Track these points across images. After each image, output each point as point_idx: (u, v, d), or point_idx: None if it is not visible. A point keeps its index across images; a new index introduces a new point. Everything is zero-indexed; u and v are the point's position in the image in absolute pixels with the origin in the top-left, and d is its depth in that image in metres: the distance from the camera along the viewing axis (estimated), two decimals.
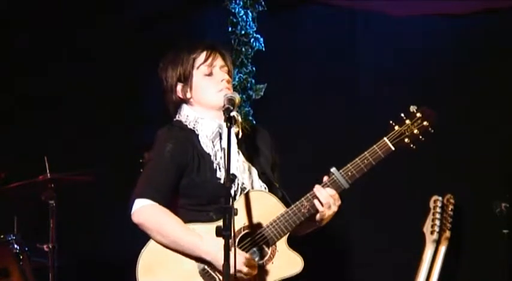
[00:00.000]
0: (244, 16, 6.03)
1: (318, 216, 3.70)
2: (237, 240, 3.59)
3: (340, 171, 3.68)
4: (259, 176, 3.78)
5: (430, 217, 5.25)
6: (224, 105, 3.59)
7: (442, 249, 5.22)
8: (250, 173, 3.76)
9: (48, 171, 5.38)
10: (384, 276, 5.69)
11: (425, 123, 3.70)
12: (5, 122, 6.09)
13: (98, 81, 6.14)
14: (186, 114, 3.78)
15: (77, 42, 6.17)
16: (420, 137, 3.71)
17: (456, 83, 5.62)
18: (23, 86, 6.14)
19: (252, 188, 3.73)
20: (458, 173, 5.53)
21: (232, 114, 3.58)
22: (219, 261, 3.46)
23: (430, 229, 5.22)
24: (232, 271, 3.33)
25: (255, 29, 6.05)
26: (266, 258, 3.63)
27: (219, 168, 3.69)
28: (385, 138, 3.70)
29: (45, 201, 5.42)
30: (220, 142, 3.72)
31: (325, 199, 3.65)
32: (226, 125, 3.47)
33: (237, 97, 3.64)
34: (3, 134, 6.06)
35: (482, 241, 5.43)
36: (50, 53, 6.14)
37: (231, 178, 3.42)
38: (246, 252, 3.60)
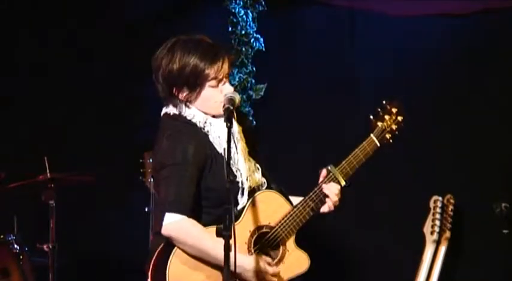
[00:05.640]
0: (244, 16, 6.03)
1: (325, 209, 3.76)
2: (252, 241, 3.63)
3: (337, 168, 3.77)
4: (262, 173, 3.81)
5: (430, 217, 5.25)
6: (224, 105, 3.59)
7: (442, 249, 5.22)
8: (254, 171, 3.77)
9: (48, 171, 5.38)
10: (384, 276, 5.69)
11: (399, 118, 3.88)
12: (5, 122, 6.10)
13: (98, 82, 6.14)
14: (193, 114, 3.71)
15: (77, 43, 6.18)
16: (396, 132, 3.89)
17: (456, 83, 5.62)
18: (24, 85, 6.15)
19: (256, 185, 3.76)
20: (458, 173, 5.53)
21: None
22: (247, 274, 3.58)
23: (430, 229, 5.22)
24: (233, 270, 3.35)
25: (255, 29, 6.05)
26: (278, 258, 3.67)
27: (238, 175, 3.69)
28: (371, 135, 3.84)
29: (45, 201, 5.42)
30: (234, 141, 3.72)
31: (336, 196, 3.74)
32: (227, 125, 3.47)
33: (237, 97, 3.64)
34: (3, 134, 6.06)
35: (482, 241, 5.43)
36: (50, 53, 6.14)
37: (231, 179, 3.43)
38: (263, 253, 3.65)
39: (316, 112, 5.87)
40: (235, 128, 3.71)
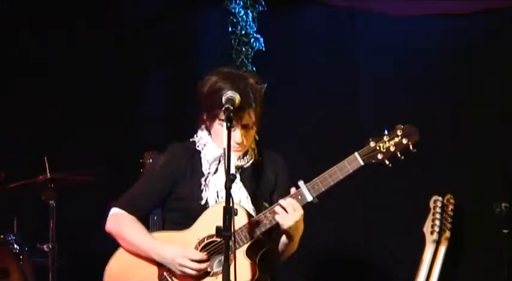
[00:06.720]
0: (244, 16, 6.03)
1: (280, 222, 3.64)
2: (199, 247, 3.66)
3: (307, 184, 3.65)
4: (252, 202, 3.77)
5: (430, 217, 5.25)
6: (224, 105, 3.58)
7: (442, 249, 5.22)
8: (240, 195, 3.75)
9: (48, 171, 5.38)
10: (384, 276, 5.69)
11: (404, 141, 3.63)
12: (6, 122, 6.10)
13: (98, 82, 6.14)
14: (200, 137, 3.83)
15: (77, 43, 6.18)
16: (398, 154, 3.63)
17: (456, 83, 5.62)
18: (24, 85, 6.15)
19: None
20: (458, 173, 5.53)
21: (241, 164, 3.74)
22: (169, 263, 3.65)
23: (430, 229, 5.22)
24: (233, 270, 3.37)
25: (255, 29, 6.05)
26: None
27: (206, 189, 3.72)
28: (355, 153, 3.64)
29: (45, 201, 5.42)
30: (218, 165, 3.76)
31: (287, 212, 3.61)
32: (226, 125, 3.47)
33: (237, 97, 3.63)
34: (4, 134, 6.06)
35: (482, 241, 5.43)
36: (50, 53, 6.15)
37: (231, 178, 3.41)
38: (208, 259, 3.67)
39: (316, 112, 5.87)
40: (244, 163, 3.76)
